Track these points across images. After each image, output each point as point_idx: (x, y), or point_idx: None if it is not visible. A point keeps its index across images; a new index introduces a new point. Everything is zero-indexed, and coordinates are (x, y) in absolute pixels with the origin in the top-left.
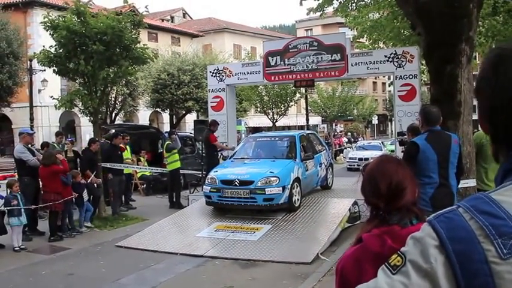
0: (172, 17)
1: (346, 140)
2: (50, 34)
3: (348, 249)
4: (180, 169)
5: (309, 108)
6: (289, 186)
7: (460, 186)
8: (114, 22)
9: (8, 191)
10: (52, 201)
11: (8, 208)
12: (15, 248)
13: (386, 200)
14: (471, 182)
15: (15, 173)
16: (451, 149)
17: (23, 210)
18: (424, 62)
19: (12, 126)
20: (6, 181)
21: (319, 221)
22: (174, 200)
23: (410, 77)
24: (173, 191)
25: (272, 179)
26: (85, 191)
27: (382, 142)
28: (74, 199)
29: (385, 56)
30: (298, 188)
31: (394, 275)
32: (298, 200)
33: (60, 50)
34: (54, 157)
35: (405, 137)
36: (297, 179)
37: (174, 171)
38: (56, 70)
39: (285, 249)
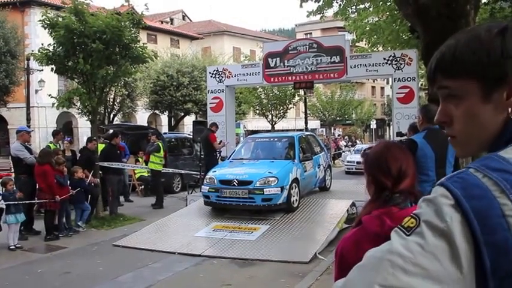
0: (171, 19)
1: (344, 143)
2: (48, 33)
3: (348, 231)
4: (160, 171)
5: (307, 112)
6: (287, 186)
7: None
8: (113, 21)
9: (3, 190)
10: (46, 200)
11: (6, 203)
12: (11, 247)
13: (394, 180)
14: None
15: (11, 172)
16: (448, 147)
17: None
18: (422, 66)
19: (8, 127)
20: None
21: (317, 222)
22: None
23: (409, 79)
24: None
25: (271, 179)
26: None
27: None
28: (71, 197)
29: (384, 59)
30: (297, 188)
31: (408, 236)
32: (296, 200)
33: (59, 49)
34: (49, 157)
35: (405, 137)
36: (296, 180)
37: (154, 172)
38: (55, 69)
39: (283, 248)
